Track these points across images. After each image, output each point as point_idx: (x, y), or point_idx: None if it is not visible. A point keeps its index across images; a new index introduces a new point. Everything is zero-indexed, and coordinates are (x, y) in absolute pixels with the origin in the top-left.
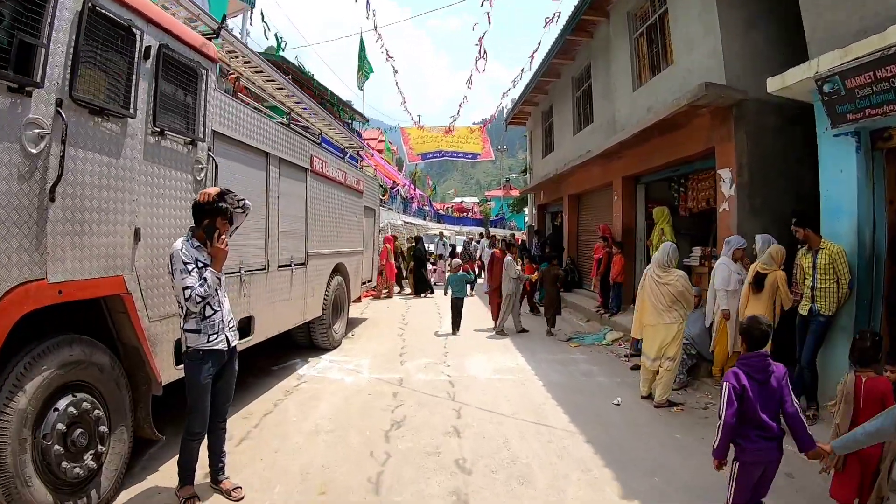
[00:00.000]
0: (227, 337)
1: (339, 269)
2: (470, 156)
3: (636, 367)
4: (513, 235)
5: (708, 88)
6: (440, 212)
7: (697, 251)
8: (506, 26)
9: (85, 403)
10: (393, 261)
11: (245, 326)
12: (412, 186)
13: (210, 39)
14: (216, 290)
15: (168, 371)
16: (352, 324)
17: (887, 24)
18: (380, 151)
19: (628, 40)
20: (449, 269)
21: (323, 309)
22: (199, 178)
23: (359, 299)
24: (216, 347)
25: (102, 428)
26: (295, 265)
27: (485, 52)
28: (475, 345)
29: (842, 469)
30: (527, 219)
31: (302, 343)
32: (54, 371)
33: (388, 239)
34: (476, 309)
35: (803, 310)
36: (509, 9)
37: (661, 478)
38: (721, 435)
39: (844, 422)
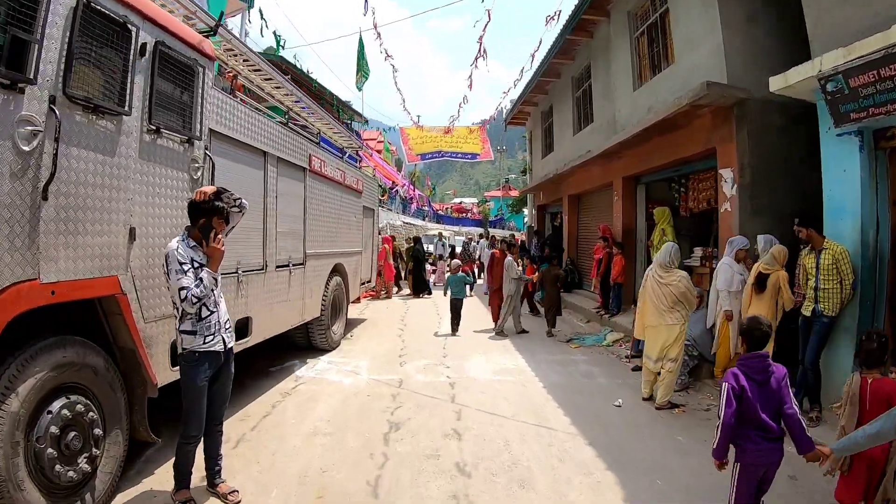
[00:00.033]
0: (223, 338)
1: (337, 270)
2: (469, 156)
3: (637, 369)
4: (512, 236)
5: (709, 87)
6: (439, 212)
7: (698, 251)
8: (506, 26)
9: (79, 406)
10: (391, 261)
11: (242, 327)
12: (411, 187)
13: (207, 37)
14: (212, 290)
15: (164, 373)
16: (351, 324)
17: (890, 22)
18: (378, 152)
19: (629, 39)
20: (448, 269)
21: (321, 310)
22: (195, 177)
23: (358, 300)
24: (212, 349)
25: (97, 431)
26: (293, 265)
27: (484, 50)
28: (475, 346)
29: (847, 471)
30: (526, 219)
31: (300, 344)
32: (47, 373)
33: (387, 239)
34: (475, 310)
35: (806, 310)
36: (509, 8)
37: (663, 480)
38: (720, 435)
39: (850, 424)
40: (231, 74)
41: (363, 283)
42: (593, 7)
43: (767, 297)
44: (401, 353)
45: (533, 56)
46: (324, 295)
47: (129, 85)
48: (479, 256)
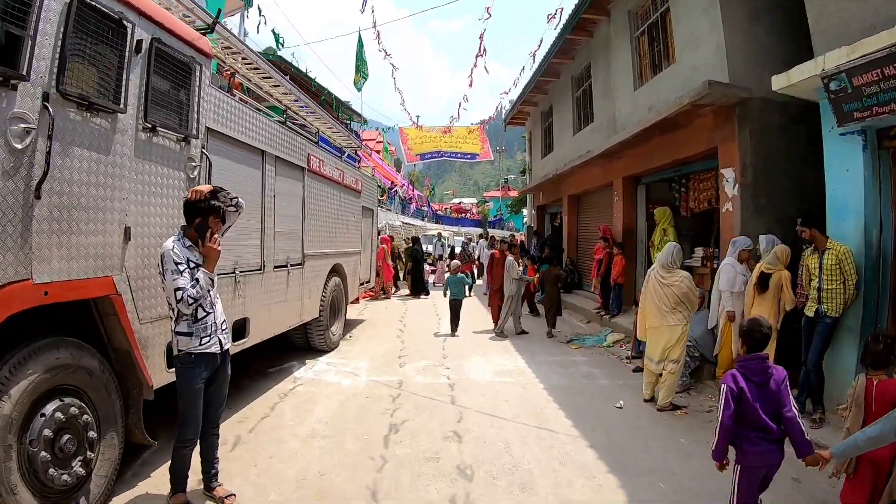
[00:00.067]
0: (219, 340)
1: (336, 270)
2: (469, 156)
3: (638, 370)
4: (512, 236)
5: (711, 86)
6: (438, 213)
7: (699, 252)
8: (506, 25)
9: (73, 408)
10: (390, 261)
11: (240, 328)
12: (410, 187)
13: (204, 34)
14: (208, 291)
15: (160, 375)
16: (349, 325)
17: (894, 20)
18: (377, 152)
19: (629, 39)
20: (448, 270)
21: (320, 310)
22: (192, 176)
23: (356, 300)
24: (208, 351)
25: (91, 433)
26: (291, 266)
27: (485, 48)
28: (474, 346)
29: (853, 473)
30: (525, 219)
31: (299, 345)
32: (40, 375)
33: (385, 239)
34: (475, 310)
35: (809, 311)
36: (510, 8)
37: (666, 483)
38: (718, 437)
39: (855, 426)
40: (229, 72)
41: (362, 284)
42: (593, 6)
43: (770, 296)
44: (400, 354)
45: (534, 55)
46: (322, 295)
47: (124, 82)
48: (479, 257)
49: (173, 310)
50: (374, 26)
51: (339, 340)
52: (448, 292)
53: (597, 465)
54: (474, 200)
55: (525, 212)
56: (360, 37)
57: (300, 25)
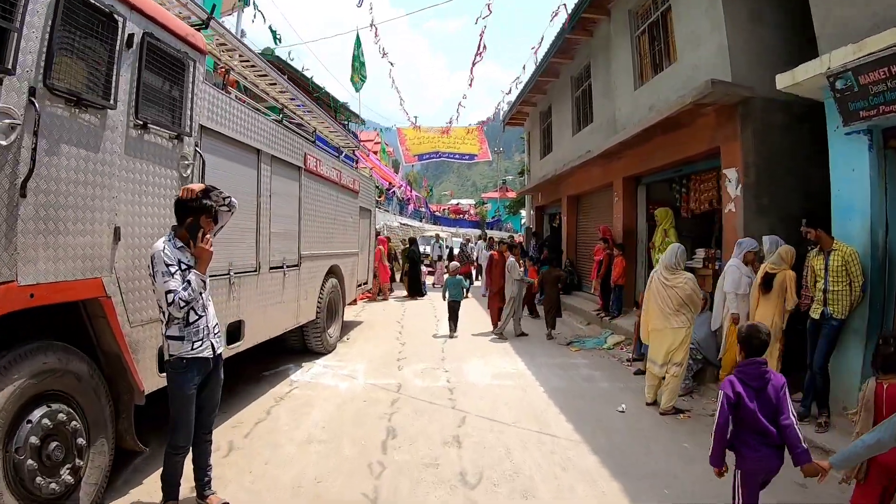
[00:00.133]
0: (212, 344)
1: (333, 271)
2: (467, 157)
3: (639, 372)
4: (511, 237)
5: (714, 86)
6: (436, 213)
7: (701, 253)
8: (506, 25)
9: (61, 414)
10: (386, 263)
11: (235, 331)
12: (408, 188)
13: (199, 30)
14: (200, 293)
15: (151, 379)
16: (347, 327)
17: None
18: (375, 153)
19: (630, 38)
20: (447, 271)
21: (317, 312)
22: (184, 175)
23: (354, 301)
24: (201, 355)
25: (80, 440)
26: (287, 267)
27: (484, 46)
28: (473, 349)
29: (864, 479)
30: (523, 220)
31: (295, 347)
32: (27, 380)
33: (382, 240)
34: (473, 312)
35: (815, 313)
36: (509, 8)
37: (670, 489)
38: (713, 442)
39: (865, 430)
40: (223, 69)
41: (360, 285)
42: (593, 6)
43: (774, 297)
44: (398, 356)
45: (535, 50)
46: (319, 297)
47: (114, 77)
48: (477, 258)
49: (164, 313)
50: (372, 24)
51: (336, 343)
52: (446, 294)
53: (599, 470)
54: (472, 201)
55: (523, 213)
56: (357, 36)
57: (300, 25)
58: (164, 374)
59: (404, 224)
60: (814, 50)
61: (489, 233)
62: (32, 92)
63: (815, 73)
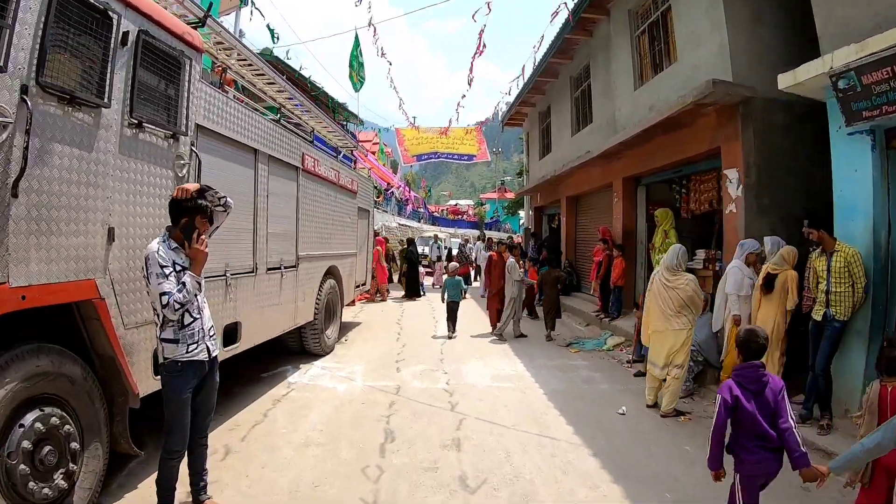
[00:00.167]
0: (207, 347)
1: (331, 272)
2: (466, 157)
3: (639, 374)
4: (510, 238)
5: (715, 85)
6: (435, 214)
7: (701, 254)
8: (504, 26)
9: (54, 418)
10: (384, 263)
11: (231, 333)
12: (407, 188)
13: (195, 28)
14: (195, 295)
15: (146, 382)
16: (345, 328)
17: None
18: (373, 153)
19: (629, 38)
20: (445, 272)
21: (315, 313)
22: (180, 175)
23: (353, 302)
24: (196, 358)
25: (74, 444)
26: (285, 268)
27: (484, 45)
28: (472, 350)
29: (869, 483)
30: (522, 221)
31: (293, 349)
32: (18, 384)
33: (380, 241)
34: (472, 313)
35: (817, 315)
36: (508, 8)
37: (672, 492)
38: (710, 446)
39: (869, 433)
40: (220, 68)
41: (358, 286)
42: (593, 6)
43: (776, 297)
44: (397, 357)
45: (536, 49)
46: (317, 298)
47: (108, 76)
48: (476, 259)
49: (158, 315)
50: (370, 23)
51: (334, 344)
52: (445, 295)
53: (600, 473)
54: (471, 202)
55: (522, 213)
56: (356, 36)
57: (299, 26)
58: (159, 378)
59: (403, 225)
60: (814, 50)
61: (488, 233)
62: (25, 90)
63: (817, 73)
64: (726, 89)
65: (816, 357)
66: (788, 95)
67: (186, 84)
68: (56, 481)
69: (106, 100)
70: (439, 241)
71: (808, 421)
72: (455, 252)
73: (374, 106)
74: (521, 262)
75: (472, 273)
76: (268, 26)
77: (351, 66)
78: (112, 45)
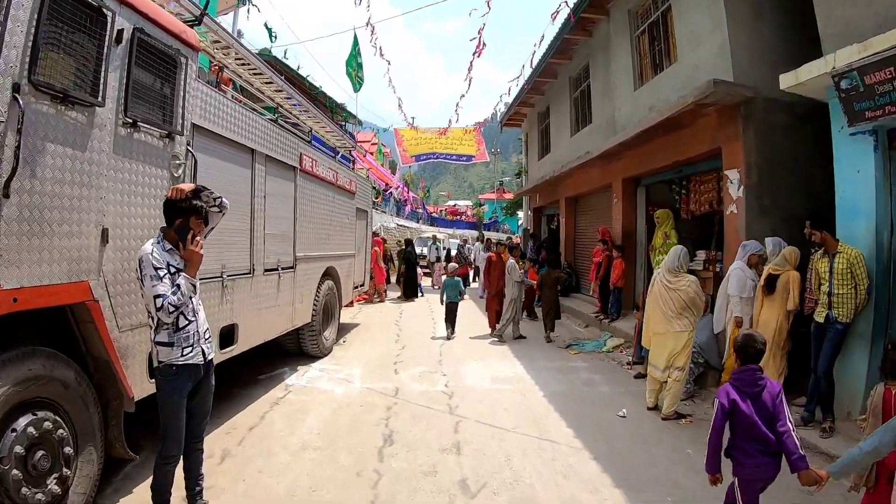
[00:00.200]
0: (202, 350)
1: (329, 273)
2: (464, 158)
3: (639, 376)
4: (509, 239)
5: (716, 85)
6: (433, 215)
7: (701, 255)
8: (505, 26)
9: (47, 423)
10: (382, 264)
11: (228, 335)
12: (405, 189)
13: (192, 27)
14: (190, 298)
15: (141, 385)
16: (343, 329)
17: None
18: (371, 154)
19: (629, 38)
20: (444, 272)
21: (312, 315)
22: (176, 175)
23: (351, 303)
24: (191, 362)
25: (68, 449)
26: (282, 269)
27: (484, 43)
28: (471, 351)
29: (873, 487)
30: (521, 222)
31: (291, 350)
32: (10, 388)
33: (378, 242)
34: (471, 313)
35: (819, 317)
36: (508, 8)
37: (674, 497)
38: (708, 450)
39: None
40: (217, 67)
41: (356, 287)
42: (593, 6)
43: (778, 298)
44: (395, 359)
45: (537, 47)
46: (315, 300)
47: (103, 74)
48: (475, 259)
49: (153, 318)
50: (369, 23)
51: (332, 346)
52: (444, 296)
53: (601, 478)
54: (469, 203)
55: (521, 214)
56: (355, 36)
57: (299, 26)
58: (154, 381)
59: (401, 225)
60: (815, 49)
61: (486, 234)
62: (17, 88)
63: (819, 73)
64: (727, 89)
65: (818, 359)
66: (790, 95)
67: (182, 83)
68: (49, 486)
69: (100, 99)
70: (438, 242)
71: (810, 424)
72: (454, 253)
73: (372, 106)
74: (520, 262)
75: (471, 274)
76: (265, 25)
77: (350, 66)
78: (106, 44)
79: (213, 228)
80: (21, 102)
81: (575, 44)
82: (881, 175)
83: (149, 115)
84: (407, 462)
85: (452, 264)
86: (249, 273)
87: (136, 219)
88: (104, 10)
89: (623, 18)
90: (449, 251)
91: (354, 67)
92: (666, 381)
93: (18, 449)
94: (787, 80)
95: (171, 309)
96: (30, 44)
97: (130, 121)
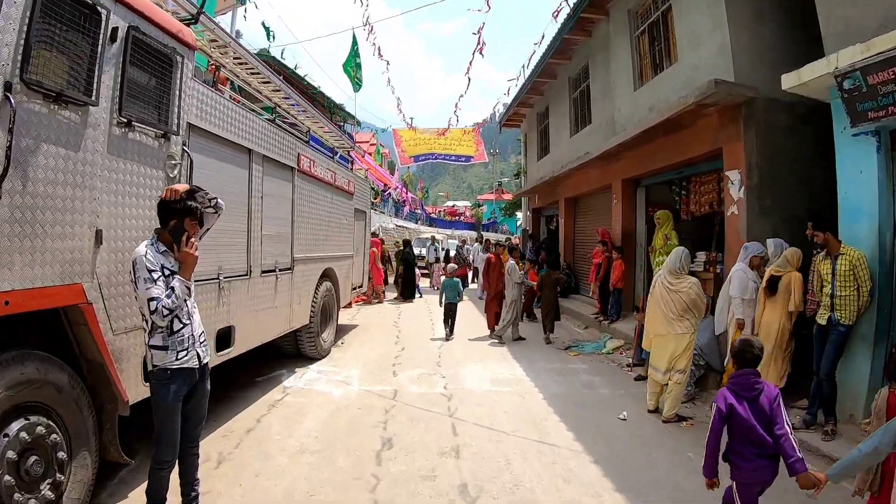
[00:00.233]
0: (197, 353)
1: (327, 275)
2: (463, 158)
3: (640, 378)
4: (508, 240)
5: (718, 86)
6: (432, 215)
7: (702, 256)
8: (505, 26)
9: (40, 427)
10: (379, 265)
11: (225, 337)
12: (404, 190)
13: (188, 25)
14: (185, 300)
15: (136, 389)
16: (341, 330)
17: None
18: (370, 154)
19: (629, 38)
20: (444, 273)
21: (310, 317)
22: (171, 175)
23: (349, 305)
24: (186, 366)
25: (61, 454)
26: (280, 270)
27: (483, 42)
28: (470, 353)
29: (878, 491)
30: (519, 223)
31: (288, 352)
32: (2, 392)
33: (376, 242)
34: (470, 315)
35: (821, 319)
36: (507, 9)
37: (675, 501)
38: (706, 454)
39: None
40: (213, 66)
41: (354, 288)
42: (592, 6)
43: (780, 299)
44: (394, 361)
45: (539, 43)
46: (313, 301)
47: (97, 73)
48: (473, 260)
49: (147, 321)
50: (367, 22)
51: (330, 347)
52: (443, 297)
53: (602, 482)
54: (468, 203)
55: (519, 215)
56: (353, 36)
57: (298, 26)
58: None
59: (400, 226)
60: (816, 50)
61: (485, 235)
62: (8, 87)
63: (821, 73)
64: (729, 89)
65: (821, 362)
66: (791, 96)
67: (178, 82)
68: (43, 492)
69: (94, 98)
70: (437, 243)
71: (812, 427)
72: (453, 253)
73: (371, 107)
74: (520, 264)
75: (470, 275)
76: (262, 24)
77: (349, 66)
78: (100, 42)
79: (208, 230)
80: (13, 101)
81: (574, 44)
82: (884, 176)
83: (144, 114)
84: (405, 465)
85: (452, 265)
86: (246, 274)
87: (131, 220)
88: (98, 8)
89: (623, 18)
90: (448, 252)
91: (353, 68)
92: (667, 384)
93: (11, 454)
94: (789, 81)
95: (166, 312)
96: (22, 42)
97: (125, 120)
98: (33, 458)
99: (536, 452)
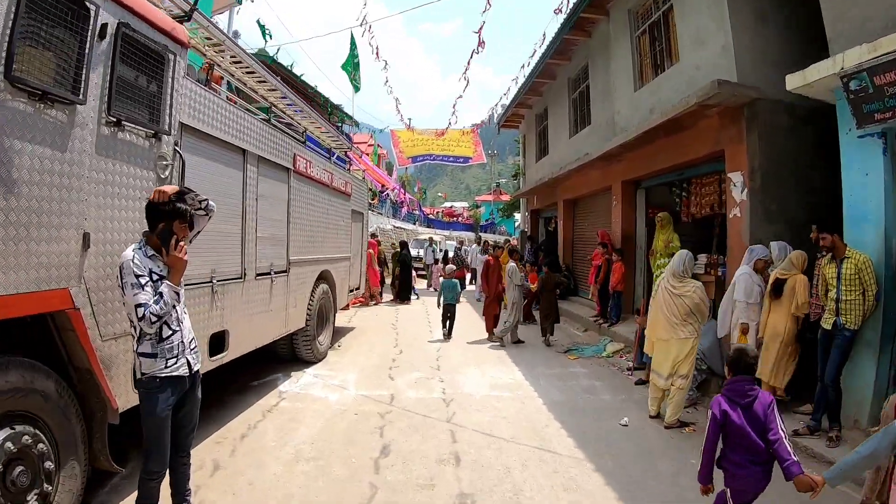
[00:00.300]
0: (188, 361)
1: (324, 277)
2: (461, 159)
3: (640, 382)
4: (507, 241)
5: (721, 86)
6: (430, 216)
7: (703, 259)
8: (505, 26)
9: (26, 437)
10: (376, 266)
11: (218, 341)
12: (402, 190)
13: (181, 22)
14: (174, 306)
15: (126, 396)
16: (338, 333)
17: None
18: (367, 155)
19: (629, 39)
20: (442, 275)
21: (307, 320)
22: (163, 176)
23: (346, 307)
24: (175, 374)
25: (48, 464)
26: (275, 273)
27: (483, 42)
28: (469, 356)
29: (886, 501)
30: (517, 224)
31: (284, 356)
32: None
33: (372, 244)
34: (468, 317)
35: (826, 323)
36: (507, 9)
37: None
38: (702, 460)
39: None
40: (207, 65)
41: (352, 291)
42: (592, 6)
43: (786, 302)
44: (391, 365)
45: (541, 41)
46: (309, 304)
47: (85, 70)
48: (471, 262)
49: (135, 328)
50: (365, 21)
51: (326, 350)
52: (441, 298)
53: (604, 491)
54: (466, 204)
55: (517, 216)
56: (352, 35)
57: (298, 26)
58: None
59: (398, 227)
60: (819, 50)
61: (483, 236)
62: None
63: (827, 74)
64: (732, 90)
65: (826, 367)
66: (794, 97)
67: (170, 80)
68: (30, 503)
69: (81, 96)
70: (434, 244)
71: (816, 432)
72: (451, 255)
73: (369, 108)
74: (520, 265)
75: (468, 276)
76: (258, 22)
77: (348, 65)
78: (89, 39)
79: (199, 233)
80: None
81: (574, 44)
82: (890, 178)
83: (134, 113)
84: (403, 474)
85: (450, 266)
86: (241, 277)
87: (120, 223)
88: (87, 4)
89: (623, 18)
90: (446, 253)
91: (352, 69)
92: (669, 389)
93: None
94: (793, 81)
95: (154, 319)
96: (6, 38)
97: (114, 119)
98: (19, 469)
99: (537, 460)
